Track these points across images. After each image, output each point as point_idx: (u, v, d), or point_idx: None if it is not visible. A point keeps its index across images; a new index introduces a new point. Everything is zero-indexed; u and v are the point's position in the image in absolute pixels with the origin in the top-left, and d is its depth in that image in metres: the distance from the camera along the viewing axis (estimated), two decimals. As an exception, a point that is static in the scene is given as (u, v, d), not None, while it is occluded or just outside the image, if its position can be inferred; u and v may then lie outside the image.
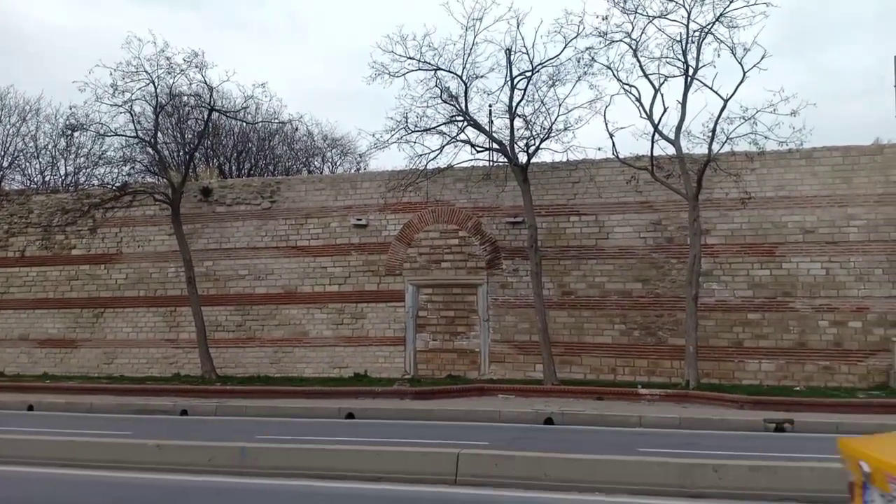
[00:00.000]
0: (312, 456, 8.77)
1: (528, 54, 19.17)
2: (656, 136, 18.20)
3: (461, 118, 19.61)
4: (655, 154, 18.53)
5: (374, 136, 26.10)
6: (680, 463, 7.83)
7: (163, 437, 11.25)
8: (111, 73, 20.57)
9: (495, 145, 19.72)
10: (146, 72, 20.80)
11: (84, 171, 32.18)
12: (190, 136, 29.82)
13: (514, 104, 19.34)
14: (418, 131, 19.73)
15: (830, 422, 13.82)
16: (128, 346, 23.16)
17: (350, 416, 15.82)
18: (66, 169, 34.58)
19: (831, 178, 18.86)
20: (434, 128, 19.75)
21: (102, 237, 23.76)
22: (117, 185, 22.43)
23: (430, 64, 19.44)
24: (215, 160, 35.21)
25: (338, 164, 41.06)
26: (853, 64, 59.21)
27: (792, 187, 19.08)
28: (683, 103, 18.05)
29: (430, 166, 19.81)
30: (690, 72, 17.96)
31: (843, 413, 14.77)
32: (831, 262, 18.67)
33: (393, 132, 19.74)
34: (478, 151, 20.09)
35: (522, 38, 25.19)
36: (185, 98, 23.06)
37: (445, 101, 19.58)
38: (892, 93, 20.93)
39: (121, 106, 21.07)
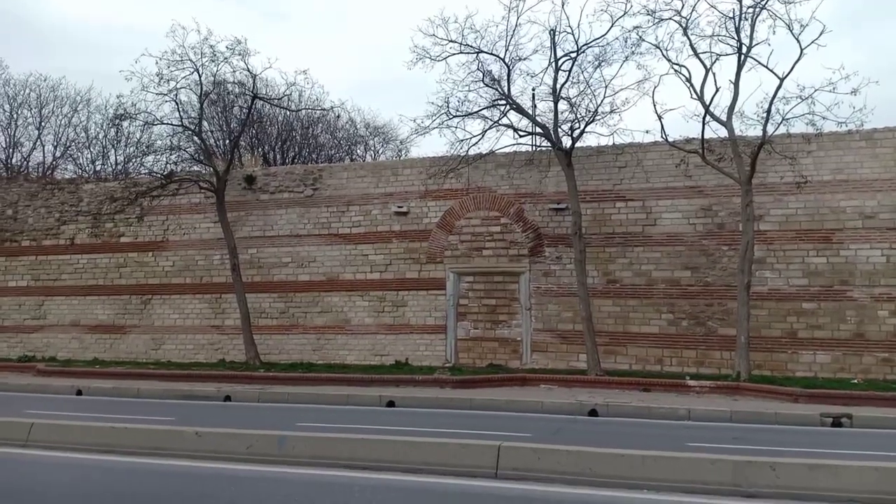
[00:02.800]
0: (350, 446, 8.63)
1: (573, 34, 18.77)
2: (707, 117, 17.61)
3: (503, 102, 19.24)
4: (706, 136, 17.92)
5: (415, 121, 25.85)
6: (734, 460, 7.42)
7: (206, 423, 11.31)
8: (157, 62, 20.95)
9: (538, 129, 19.29)
10: (190, 60, 21.08)
11: (133, 160, 32.89)
12: (234, 124, 30.12)
13: (558, 86, 18.90)
14: (460, 116, 19.48)
15: (891, 417, 13.25)
16: (175, 332, 23.53)
17: (391, 404, 15.73)
18: (115, 158, 35.46)
19: (893, 160, 17.99)
20: (476, 112, 19.47)
21: (149, 225, 24.13)
22: (164, 173, 22.73)
23: (471, 47, 19.13)
24: (260, 149, 35.52)
25: (380, 151, 41.06)
26: (915, 41, 56.48)
27: (851, 170, 18.22)
28: (736, 83, 17.37)
29: (471, 152, 19.50)
30: (744, 50, 17.29)
31: (904, 408, 14.06)
32: (892, 248, 17.81)
33: (434, 117, 19.56)
34: (520, 136, 19.69)
35: (567, 18, 24.71)
36: (229, 86, 23.25)
37: (487, 85, 19.25)
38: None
39: (166, 94, 21.44)
